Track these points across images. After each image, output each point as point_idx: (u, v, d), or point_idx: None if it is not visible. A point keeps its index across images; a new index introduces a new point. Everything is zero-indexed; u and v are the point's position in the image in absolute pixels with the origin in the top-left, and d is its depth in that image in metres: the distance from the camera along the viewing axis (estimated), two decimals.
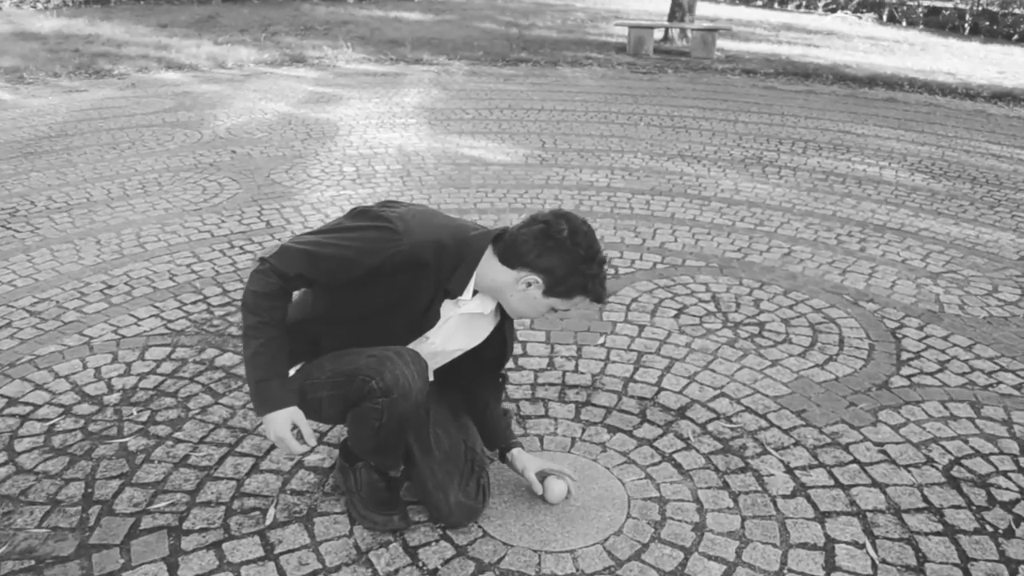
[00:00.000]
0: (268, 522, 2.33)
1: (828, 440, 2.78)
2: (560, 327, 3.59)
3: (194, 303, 3.79)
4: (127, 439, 2.74)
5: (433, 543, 2.25)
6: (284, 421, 2.08)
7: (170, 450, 2.68)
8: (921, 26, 20.59)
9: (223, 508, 2.39)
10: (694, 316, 3.72)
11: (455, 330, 2.28)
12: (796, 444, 2.76)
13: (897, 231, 4.98)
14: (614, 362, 3.30)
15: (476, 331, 2.33)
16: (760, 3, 24.96)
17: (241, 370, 3.20)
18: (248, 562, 2.18)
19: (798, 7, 24.21)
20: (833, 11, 22.76)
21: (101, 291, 3.93)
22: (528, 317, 2.23)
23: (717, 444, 2.75)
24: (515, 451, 2.43)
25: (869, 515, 2.42)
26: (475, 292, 2.20)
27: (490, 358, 2.42)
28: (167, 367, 3.21)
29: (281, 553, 2.21)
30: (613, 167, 6.26)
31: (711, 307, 3.82)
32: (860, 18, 21.49)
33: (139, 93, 9.12)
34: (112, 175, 5.90)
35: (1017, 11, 19.03)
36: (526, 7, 21.45)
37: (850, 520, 2.40)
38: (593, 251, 2.11)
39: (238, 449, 2.68)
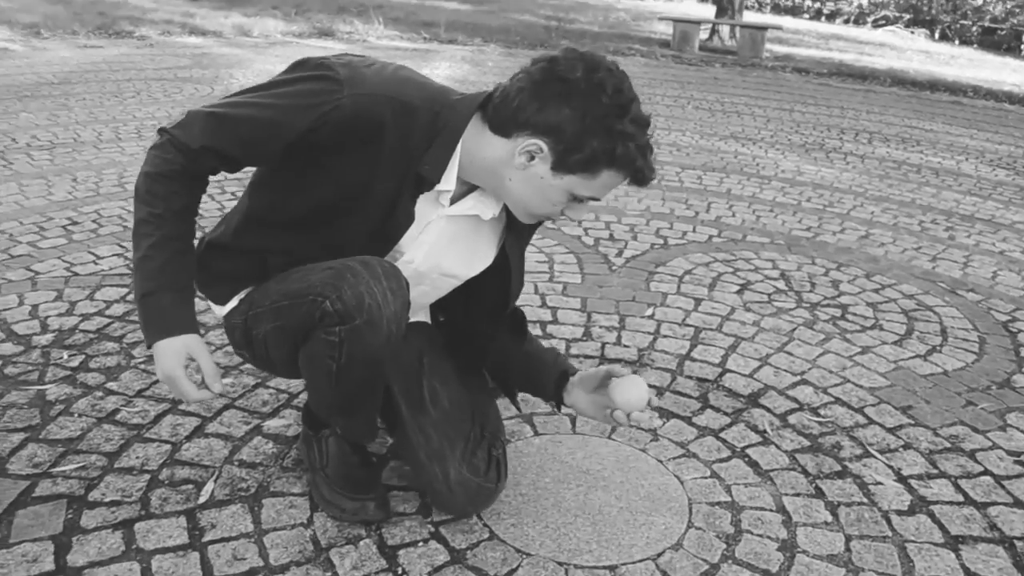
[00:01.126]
0: (202, 499, 1.72)
1: (947, 444, 2.14)
2: (599, 294, 2.97)
3: None
4: (47, 386, 2.14)
5: (420, 543, 1.63)
6: (176, 354, 1.43)
7: (97, 403, 2.08)
8: (975, 45, 19.79)
9: (147, 477, 1.79)
10: (761, 293, 3.08)
11: (444, 244, 1.58)
12: (906, 447, 2.11)
13: (988, 222, 4.31)
14: (666, 336, 2.67)
15: (476, 250, 1.63)
16: (807, 16, 24.25)
17: (205, 316, 2.61)
18: (164, 550, 1.57)
19: (846, 21, 23.46)
20: (882, 26, 22.00)
21: (64, 227, 3.35)
22: (540, 215, 1.49)
23: (803, 440, 2.11)
24: (576, 376, 1.72)
25: (1019, 544, 1.77)
26: (468, 190, 1.54)
27: (488, 299, 1.70)
28: (118, 309, 2.62)
29: (211, 542, 1.60)
30: (659, 142, 5.63)
31: (780, 285, 3.17)
32: (912, 33, 20.72)
33: (156, 52, 8.62)
34: (107, 120, 5.36)
35: None
36: (567, 4, 20.86)
37: (994, 549, 1.75)
38: (625, 98, 1.37)
39: (182, 407, 2.07)
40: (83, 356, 2.31)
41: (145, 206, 1.44)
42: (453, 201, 1.54)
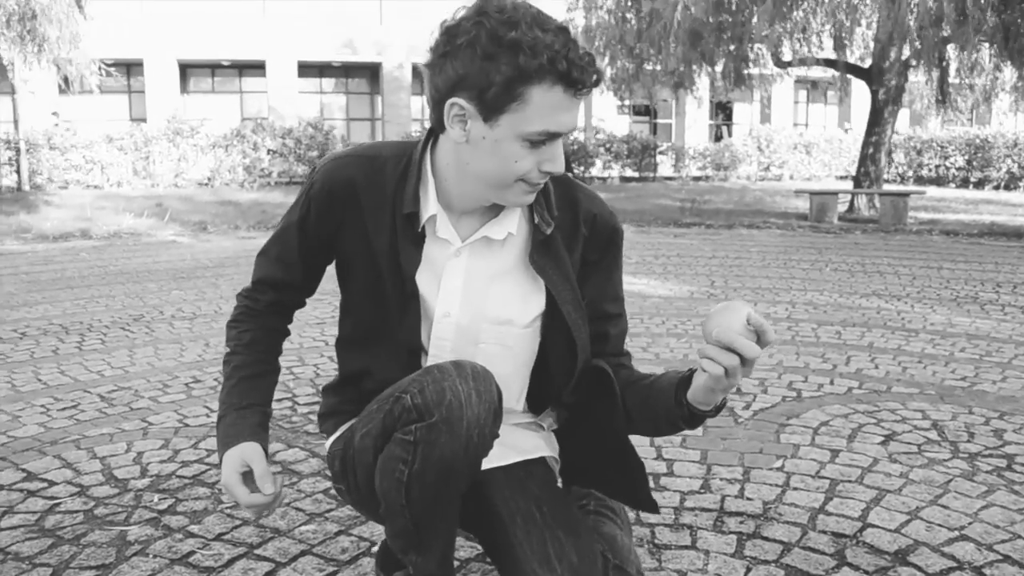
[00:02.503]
0: None
1: None
2: (721, 447, 2.70)
3: (279, 400, 3.21)
4: (130, 527, 2.09)
5: None
6: (232, 461, 1.43)
7: (175, 545, 1.99)
8: None
9: None
10: (909, 444, 2.73)
11: (479, 287, 1.45)
12: None
13: None
14: (796, 489, 2.37)
15: (520, 286, 1.47)
16: (953, 185, 23.58)
17: (301, 466, 2.53)
18: None
19: (996, 187, 22.62)
20: None
21: (186, 384, 3.44)
22: (513, 178, 1.32)
23: None
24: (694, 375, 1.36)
25: None
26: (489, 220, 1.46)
27: (560, 351, 1.48)
28: (217, 458, 2.59)
29: None
30: (795, 302, 5.38)
31: (932, 435, 2.81)
32: None
33: None
34: None
35: None
36: (702, 188, 21.20)
37: None
38: (514, 12, 1.24)
39: (258, 551, 1.95)
40: (173, 499, 2.26)
41: (226, 350, 1.56)
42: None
